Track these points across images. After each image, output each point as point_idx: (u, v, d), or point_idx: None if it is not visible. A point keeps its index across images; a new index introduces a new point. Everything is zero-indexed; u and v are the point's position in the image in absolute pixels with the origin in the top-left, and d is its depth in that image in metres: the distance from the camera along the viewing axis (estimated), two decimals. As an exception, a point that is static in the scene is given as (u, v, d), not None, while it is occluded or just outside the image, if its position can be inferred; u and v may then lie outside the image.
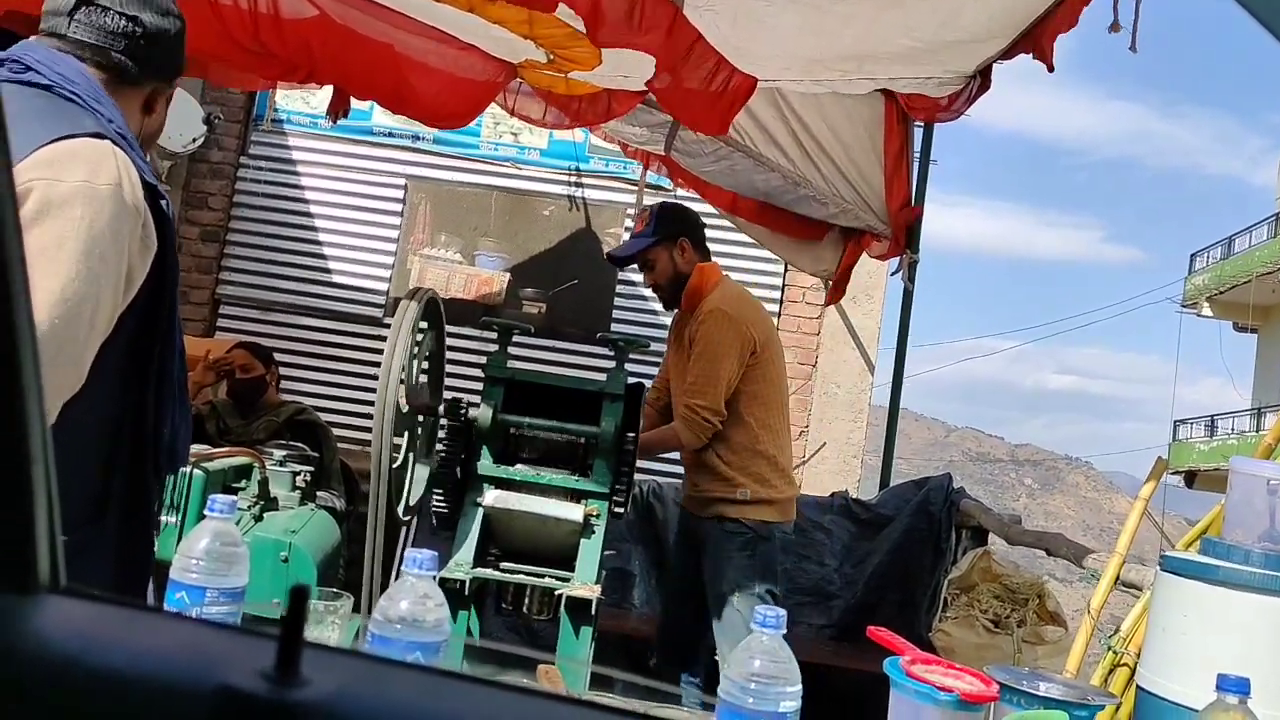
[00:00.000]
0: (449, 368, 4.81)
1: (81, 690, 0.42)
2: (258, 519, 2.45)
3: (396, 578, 1.41)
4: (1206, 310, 23.86)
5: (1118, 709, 1.90)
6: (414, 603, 1.07)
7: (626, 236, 5.89)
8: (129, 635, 0.45)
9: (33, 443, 0.49)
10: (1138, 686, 1.59)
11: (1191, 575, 1.55)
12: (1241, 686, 1.08)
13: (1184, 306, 24.60)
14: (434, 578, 1.10)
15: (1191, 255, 26.00)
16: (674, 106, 3.28)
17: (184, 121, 5.61)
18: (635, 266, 3.35)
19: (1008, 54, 3.05)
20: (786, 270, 5.82)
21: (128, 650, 0.43)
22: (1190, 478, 22.52)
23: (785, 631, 1.10)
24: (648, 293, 6.04)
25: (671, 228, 3.20)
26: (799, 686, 1.09)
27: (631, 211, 5.55)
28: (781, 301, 5.96)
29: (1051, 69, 2.77)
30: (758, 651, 1.08)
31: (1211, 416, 24.56)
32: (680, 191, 5.01)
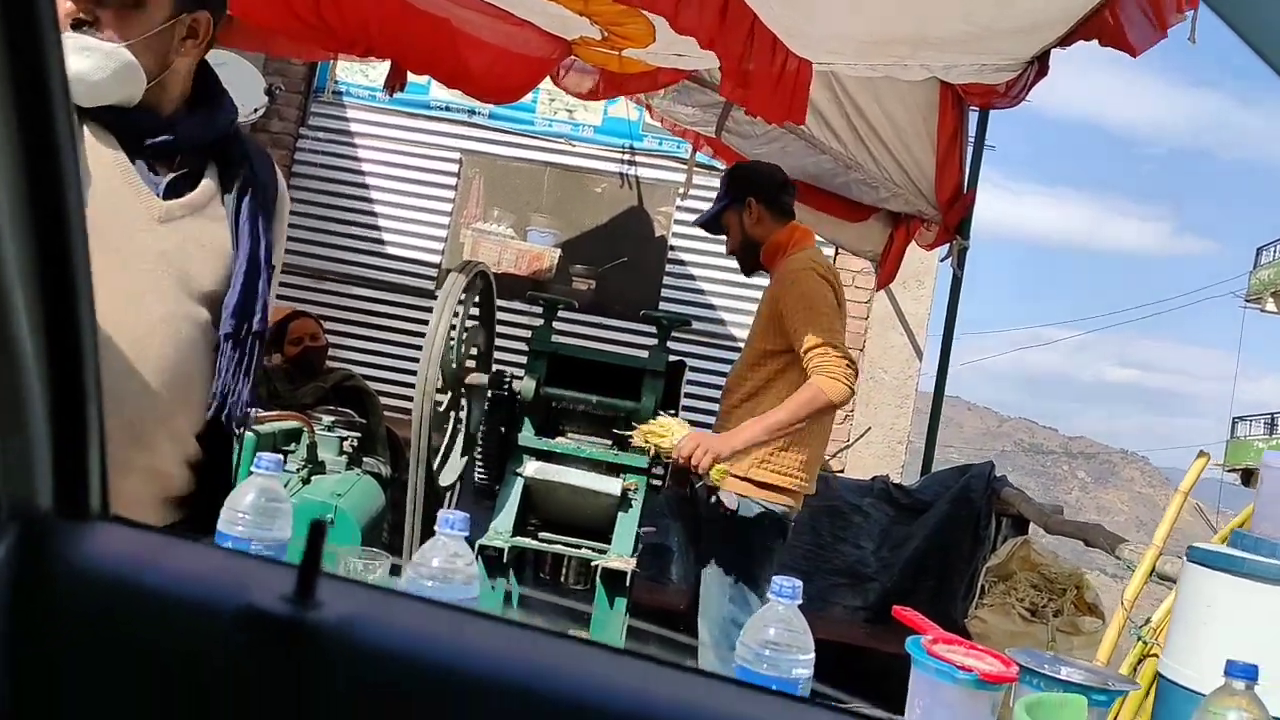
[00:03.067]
0: (499, 340, 4.89)
1: (127, 605, 0.47)
2: (305, 482, 2.53)
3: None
4: (1271, 306, 23.30)
5: (1144, 697, 1.91)
6: (445, 560, 1.12)
7: (676, 214, 5.93)
8: (168, 559, 0.50)
9: (87, 383, 0.54)
10: (1159, 674, 1.60)
11: (1217, 567, 1.56)
12: (1249, 673, 1.09)
13: (1248, 301, 24.03)
14: (465, 538, 1.15)
15: (1258, 249, 25.37)
16: (744, 95, 3.27)
17: (247, 92, 5.72)
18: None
19: (1066, 41, 3.02)
20: (837, 254, 5.81)
21: (167, 572, 0.48)
22: (1247, 476, 22.09)
23: (799, 602, 1.14)
24: (697, 271, 6.09)
25: (742, 189, 3.05)
26: (811, 655, 1.13)
27: (683, 191, 5.56)
28: (831, 285, 5.94)
29: (1135, 53, 2.61)
30: (773, 620, 1.12)
31: (1272, 414, 24.03)
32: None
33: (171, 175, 1.52)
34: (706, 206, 3.27)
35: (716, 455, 2.63)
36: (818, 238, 5.24)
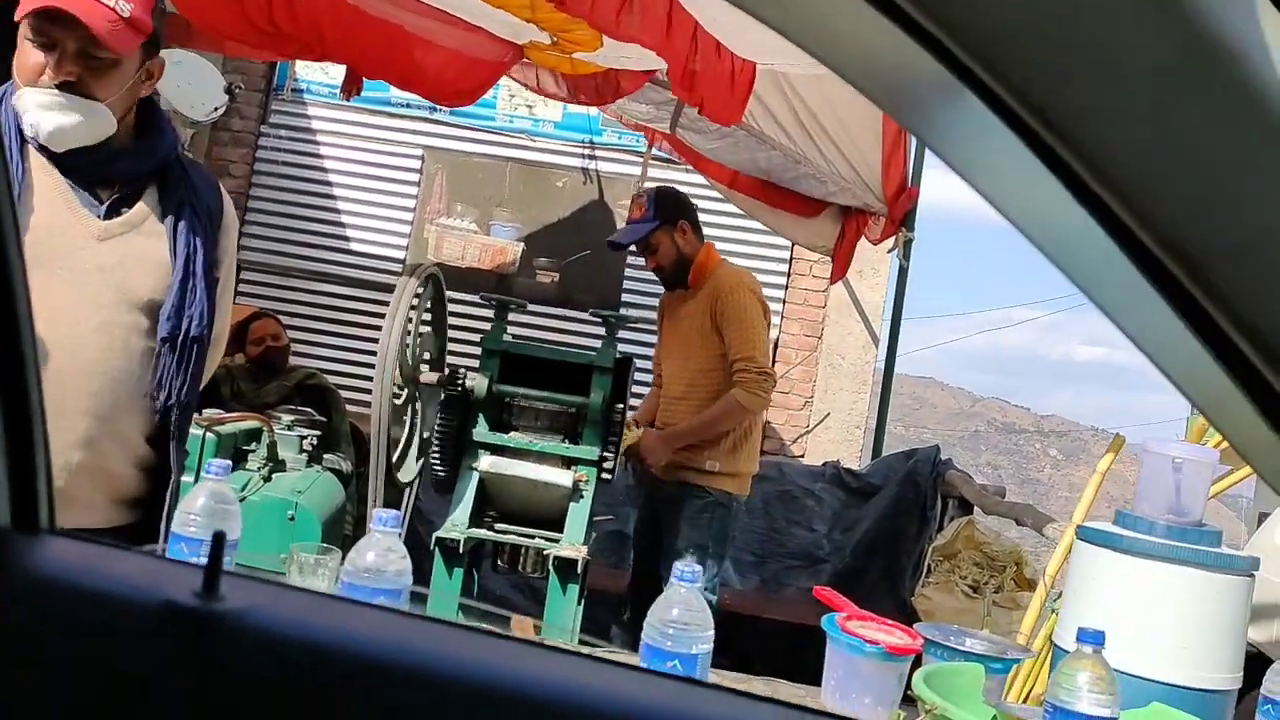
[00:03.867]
0: (464, 334, 4.98)
1: (71, 608, 0.59)
2: (266, 480, 2.63)
3: (402, 535, 1.59)
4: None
5: (1043, 663, 2.06)
6: (379, 555, 1.23)
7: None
8: (103, 565, 0.62)
9: (32, 403, 0.65)
10: (1053, 643, 1.74)
11: (1101, 544, 1.70)
12: (1097, 639, 1.22)
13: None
14: (399, 534, 1.27)
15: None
16: (695, 97, 3.41)
17: (205, 90, 5.76)
18: (634, 250, 3.48)
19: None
20: (794, 244, 5.94)
21: (102, 577, 0.60)
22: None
23: (701, 585, 1.26)
24: (658, 263, 6.20)
25: (671, 212, 3.32)
26: (711, 632, 1.26)
27: (640, 185, 5.68)
28: (789, 274, 6.07)
29: None
30: (676, 602, 1.24)
31: (1235, 390, 24.40)
32: (686, 167, 5.13)
33: (113, 197, 1.65)
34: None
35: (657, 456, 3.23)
36: (775, 234, 5.40)
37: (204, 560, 0.57)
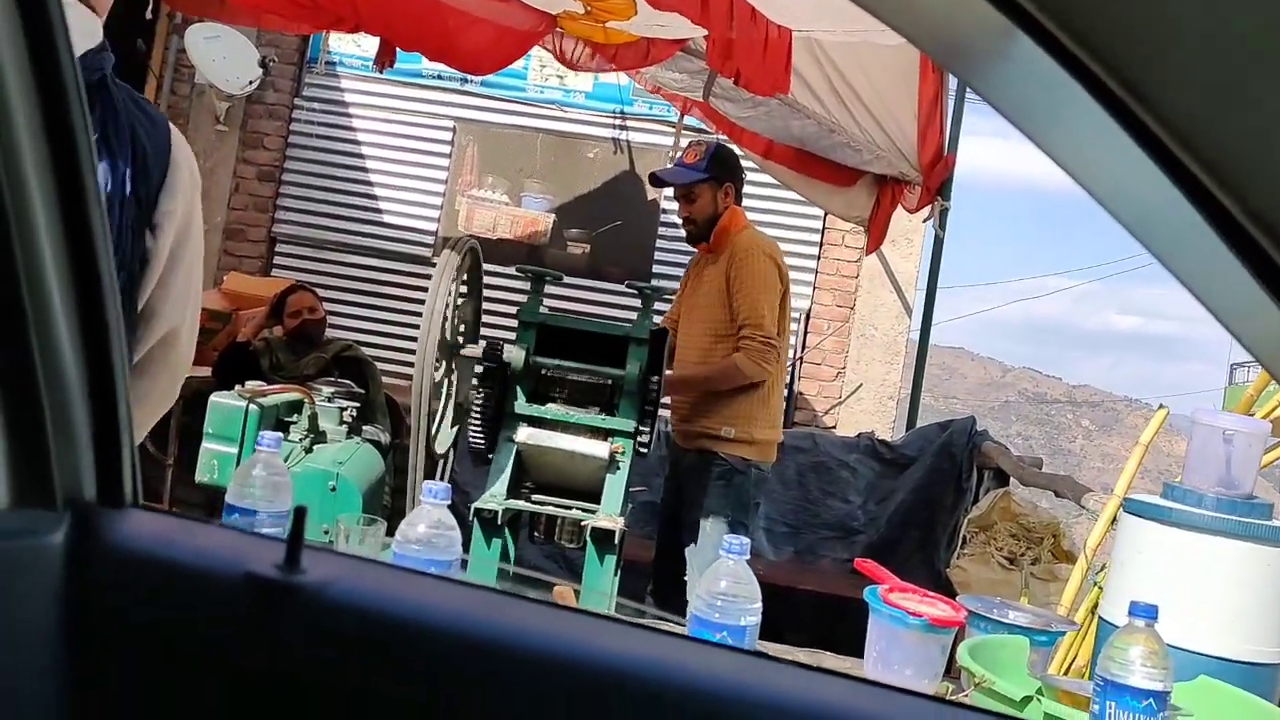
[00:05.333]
0: (497, 307, 4.99)
1: (155, 579, 0.60)
2: (308, 451, 2.66)
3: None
4: (1272, 250, 23.21)
5: (1085, 636, 2.05)
6: (430, 527, 1.25)
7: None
8: (187, 538, 0.63)
9: (118, 384, 0.66)
10: (1098, 616, 1.73)
11: (1147, 516, 1.69)
12: (1149, 613, 1.22)
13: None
14: (447, 506, 1.28)
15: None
16: (731, 66, 3.39)
17: (241, 64, 5.78)
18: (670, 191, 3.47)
19: None
20: (827, 214, 5.89)
21: (185, 549, 0.61)
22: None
23: (749, 558, 1.27)
24: (689, 233, 6.19)
25: (724, 172, 3.32)
26: (759, 604, 1.26)
27: (673, 154, 5.64)
28: (821, 245, 6.03)
29: None
30: (724, 574, 1.25)
31: (1271, 360, 23.98)
32: (720, 136, 5.10)
33: None
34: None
35: None
36: (808, 204, 5.37)
37: (282, 533, 0.58)
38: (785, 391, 3.43)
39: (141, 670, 0.58)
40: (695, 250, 3.46)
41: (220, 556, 0.60)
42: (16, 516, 0.59)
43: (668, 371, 3.17)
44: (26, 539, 0.58)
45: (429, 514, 1.25)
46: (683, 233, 3.49)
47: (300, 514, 0.59)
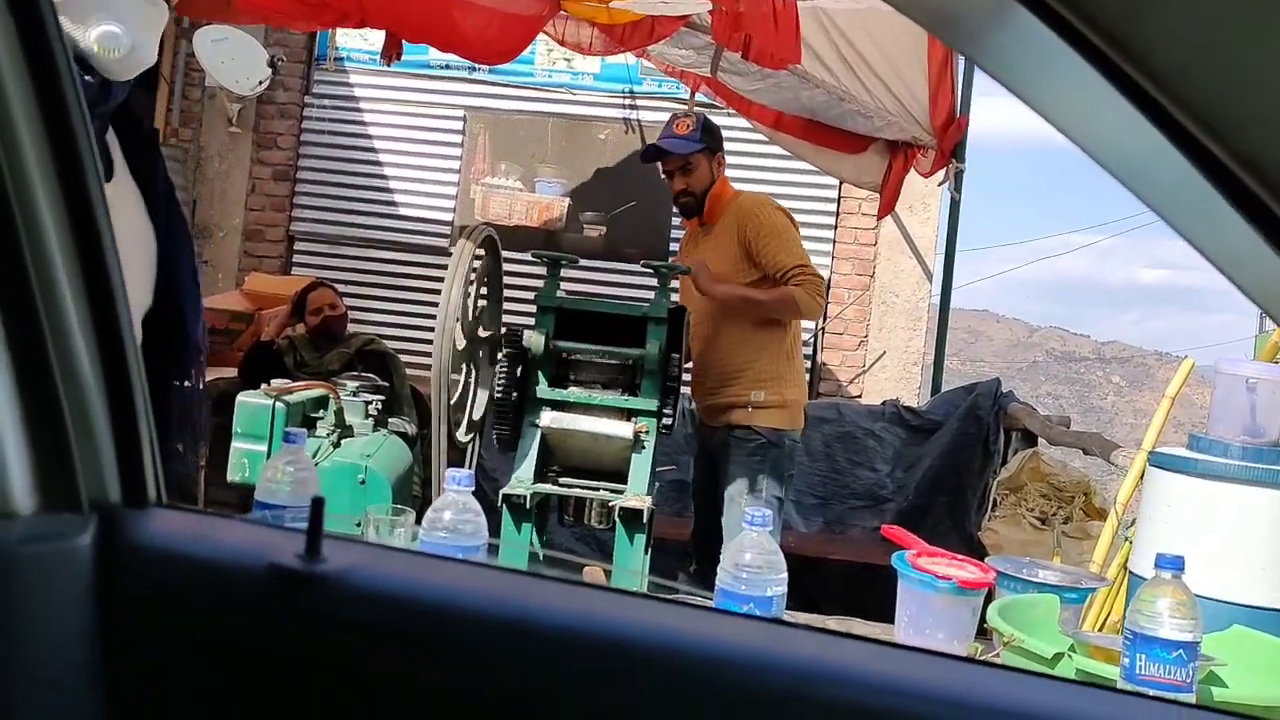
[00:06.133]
0: (517, 294, 5.01)
1: (182, 574, 0.61)
2: (335, 445, 2.69)
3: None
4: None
5: (1117, 591, 2.05)
6: (455, 513, 1.26)
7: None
8: (211, 533, 0.64)
9: (134, 384, 0.67)
10: (1128, 570, 1.73)
11: (1174, 469, 1.68)
12: (1176, 564, 1.22)
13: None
14: (471, 492, 1.30)
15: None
16: (738, 39, 3.38)
17: (250, 65, 5.78)
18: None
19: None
20: (842, 183, 5.86)
21: (210, 544, 0.62)
22: None
23: (772, 529, 1.28)
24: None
25: (716, 141, 3.33)
26: (784, 575, 1.27)
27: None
28: (838, 214, 6.00)
29: None
30: (749, 546, 1.26)
31: (1303, 306, 23.74)
32: (729, 111, 5.08)
33: None
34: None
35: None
36: (822, 174, 5.34)
37: (304, 524, 0.59)
38: (807, 362, 3.41)
39: (172, 665, 0.60)
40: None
41: (244, 550, 0.62)
42: (44, 521, 0.61)
43: (722, 287, 3.14)
44: (55, 542, 0.60)
45: (454, 500, 1.27)
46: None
47: (318, 504, 0.61)
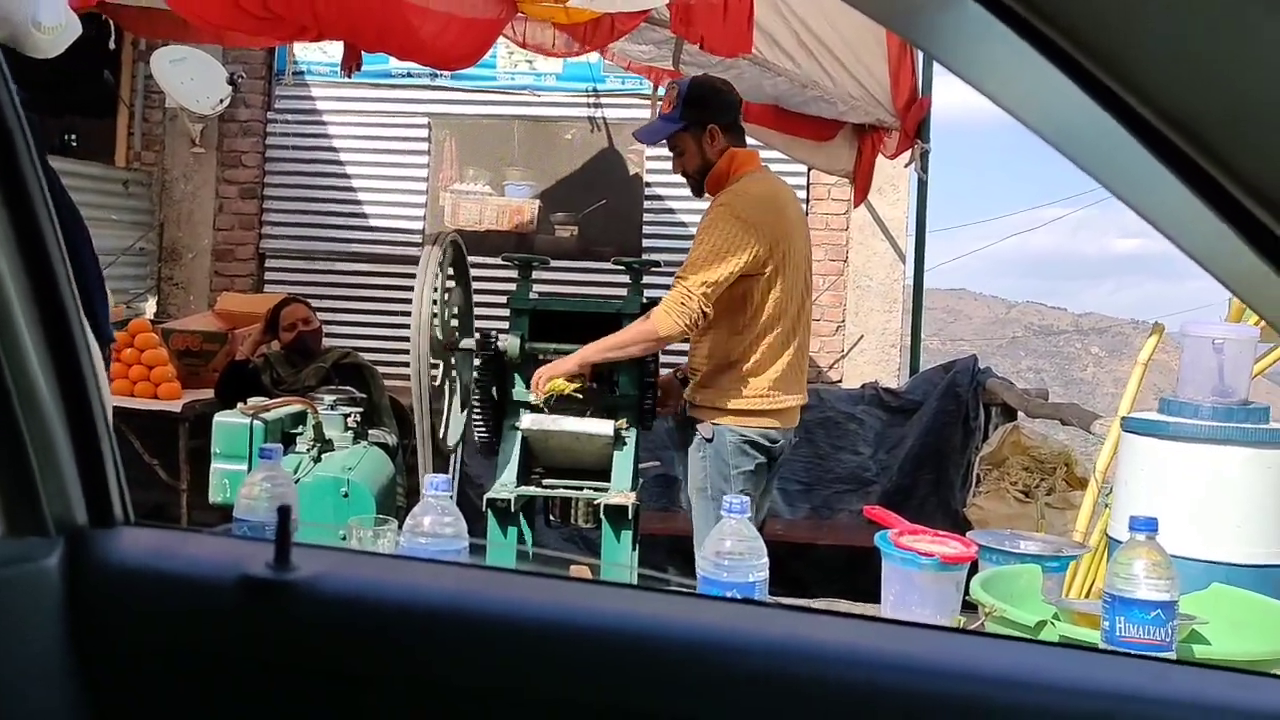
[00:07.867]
0: (492, 298, 5.00)
1: (154, 591, 0.61)
2: (316, 460, 2.69)
3: (453, 498, 1.63)
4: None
5: (1100, 557, 2.07)
6: (435, 518, 1.26)
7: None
8: (180, 549, 0.64)
9: (93, 406, 0.67)
10: (1107, 535, 1.74)
11: (1148, 433, 1.70)
12: (1149, 525, 1.23)
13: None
14: (450, 497, 1.30)
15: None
16: (694, 32, 3.37)
17: (209, 83, 5.76)
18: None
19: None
20: (810, 169, 5.88)
21: (181, 560, 0.62)
22: (1254, 332, 22.12)
23: (750, 515, 1.28)
24: (676, 205, 6.19)
25: (699, 113, 2.88)
26: (765, 559, 1.28)
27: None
28: (808, 200, 6.02)
29: None
30: (727, 534, 1.26)
31: (1274, 267, 23.99)
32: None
33: None
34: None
35: (551, 375, 2.82)
36: (792, 162, 5.33)
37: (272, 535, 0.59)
38: (783, 365, 2.97)
39: (146, 681, 0.60)
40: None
41: (214, 563, 0.62)
42: (10, 545, 0.61)
43: (563, 366, 2.83)
44: (23, 565, 0.60)
45: (432, 505, 1.27)
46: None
47: (284, 513, 0.61)
